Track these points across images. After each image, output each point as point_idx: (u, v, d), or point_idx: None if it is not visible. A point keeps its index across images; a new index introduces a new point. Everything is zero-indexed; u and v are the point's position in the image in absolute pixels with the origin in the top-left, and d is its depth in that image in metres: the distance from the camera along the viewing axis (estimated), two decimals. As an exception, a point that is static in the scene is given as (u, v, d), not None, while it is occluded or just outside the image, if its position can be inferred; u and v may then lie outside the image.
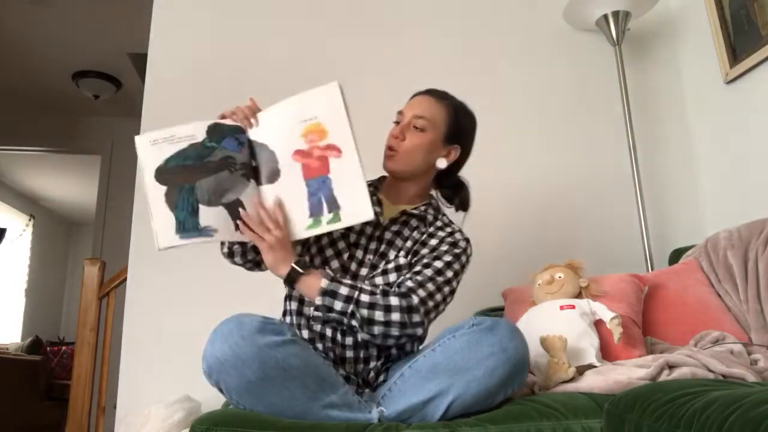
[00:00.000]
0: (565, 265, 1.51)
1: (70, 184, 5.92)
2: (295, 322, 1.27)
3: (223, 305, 1.55)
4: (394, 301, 1.14)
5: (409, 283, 1.19)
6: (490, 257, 1.88)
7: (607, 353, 1.34)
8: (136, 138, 1.18)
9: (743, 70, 1.93)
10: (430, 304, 1.18)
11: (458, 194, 1.42)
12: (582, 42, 2.29)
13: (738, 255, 1.56)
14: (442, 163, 1.35)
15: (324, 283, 1.14)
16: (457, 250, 1.27)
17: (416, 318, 1.15)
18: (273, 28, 2.24)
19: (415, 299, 1.16)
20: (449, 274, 1.23)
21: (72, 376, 2.07)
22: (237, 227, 1.17)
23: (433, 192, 1.44)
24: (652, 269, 1.96)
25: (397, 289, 1.19)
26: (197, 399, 1.66)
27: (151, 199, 1.15)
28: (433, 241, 1.29)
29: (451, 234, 1.31)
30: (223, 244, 1.25)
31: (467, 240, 1.32)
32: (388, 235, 1.31)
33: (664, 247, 2.02)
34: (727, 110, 2.05)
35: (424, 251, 1.27)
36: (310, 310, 1.22)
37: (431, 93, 1.38)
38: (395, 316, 1.13)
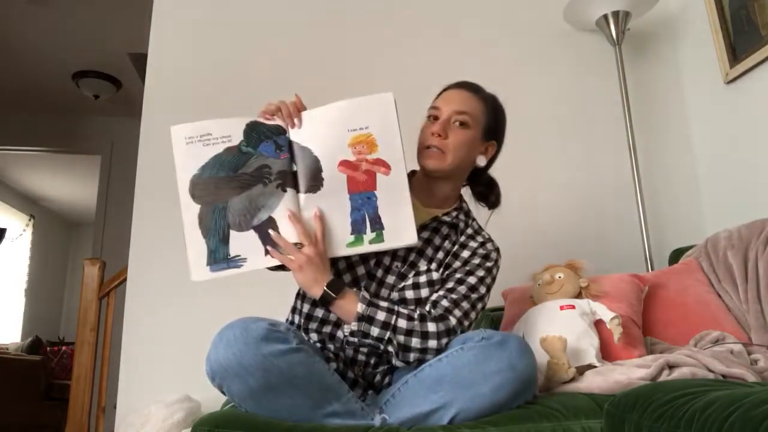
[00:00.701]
0: (566, 265, 1.51)
1: (70, 184, 5.91)
2: (303, 324, 1.24)
3: (224, 305, 1.55)
4: (431, 327, 1.11)
5: (445, 303, 1.16)
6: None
7: (607, 353, 1.34)
8: (173, 129, 1.12)
9: (743, 70, 1.93)
10: (466, 323, 1.17)
11: (492, 192, 1.39)
12: (582, 42, 2.29)
13: (738, 255, 1.56)
14: (482, 161, 1.31)
15: (360, 307, 1.10)
16: (489, 264, 1.24)
17: (452, 338, 1.13)
18: (273, 28, 2.24)
19: (453, 321, 1.14)
20: (482, 290, 1.21)
21: (72, 376, 2.07)
22: (267, 252, 1.11)
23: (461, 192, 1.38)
24: (652, 269, 1.96)
25: (433, 311, 1.15)
26: (197, 399, 1.65)
27: (186, 222, 1.11)
28: (465, 253, 1.25)
29: (482, 245, 1.27)
30: None
31: (497, 250, 1.29)
32: (418, 242, 1.26)
33: (664, 247, 2.02)
34: (727, 110, 2.05)
35: (456, 264, 1.24)
36: (343, 332, 1.19)
37: (466, 86, 1.31)
38: (432, 343, 1.10)
